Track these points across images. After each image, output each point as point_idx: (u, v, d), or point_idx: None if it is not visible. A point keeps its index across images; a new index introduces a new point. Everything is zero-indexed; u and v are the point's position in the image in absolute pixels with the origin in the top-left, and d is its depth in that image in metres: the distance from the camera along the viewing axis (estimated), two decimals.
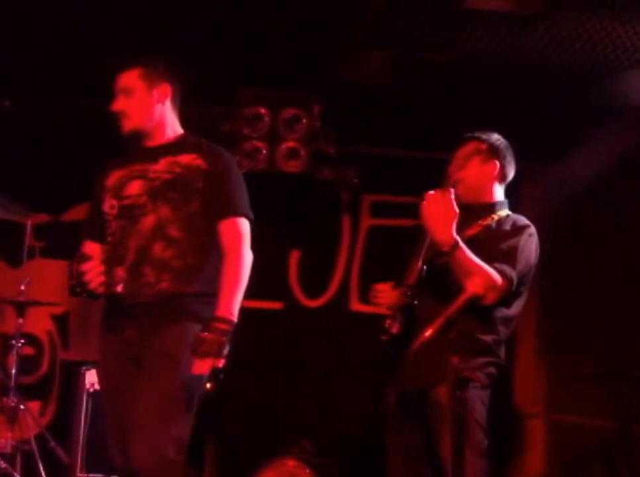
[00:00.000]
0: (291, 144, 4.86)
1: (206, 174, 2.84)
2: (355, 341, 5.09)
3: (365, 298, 5.17)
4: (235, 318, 2.75)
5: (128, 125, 2.88)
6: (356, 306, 5.35)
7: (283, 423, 4.99)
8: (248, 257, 2.83)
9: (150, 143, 2.93)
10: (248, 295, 2.82)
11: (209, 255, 2.84)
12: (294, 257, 5.35)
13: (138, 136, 2.92)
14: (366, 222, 5.45)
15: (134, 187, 2.85)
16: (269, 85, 4.86)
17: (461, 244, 2.76)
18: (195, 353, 2.67)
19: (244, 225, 2.87)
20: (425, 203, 2.82)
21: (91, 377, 4.33)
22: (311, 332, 5.24)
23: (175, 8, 3.99)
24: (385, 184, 5.38)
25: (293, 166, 4.88)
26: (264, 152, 4.83)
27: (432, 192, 2.83)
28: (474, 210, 2.99)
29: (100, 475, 4.23)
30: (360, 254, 5.41)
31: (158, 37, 4.12)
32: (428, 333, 2.47)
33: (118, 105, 2.88)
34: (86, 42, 4.27)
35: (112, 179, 2.92)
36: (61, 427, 4.63)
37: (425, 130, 4.94)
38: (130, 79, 2.88)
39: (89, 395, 4.38)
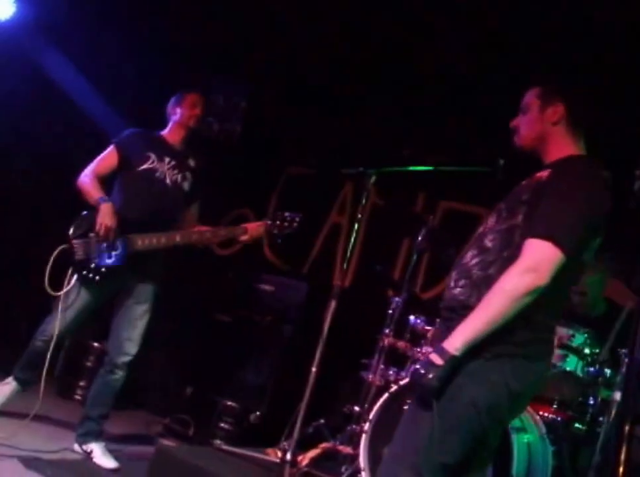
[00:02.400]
0: None
1: (537, 186, 2.64)
2: None
3: None
4: (457, 353, 2.48)
5: (517, 142, 2.88)
6: None
7: None
8: (518, 288, 2.46)
9: (544, 162, 2.83)
10: None
11: None
12: None
13: (531, 154, 2.87)
14: None
15: None
16: None
17: None
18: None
19: (543, 251, 2.47)
20: None
21: None
22: None
23: None
24: None
25: None
26: None
27: None
28: None
29: None
30: None
31: None
32: None
33: (515, 121, 2.89)
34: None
35: None
36: None
37: None
38: (530, 96, 2.88)
39: None
